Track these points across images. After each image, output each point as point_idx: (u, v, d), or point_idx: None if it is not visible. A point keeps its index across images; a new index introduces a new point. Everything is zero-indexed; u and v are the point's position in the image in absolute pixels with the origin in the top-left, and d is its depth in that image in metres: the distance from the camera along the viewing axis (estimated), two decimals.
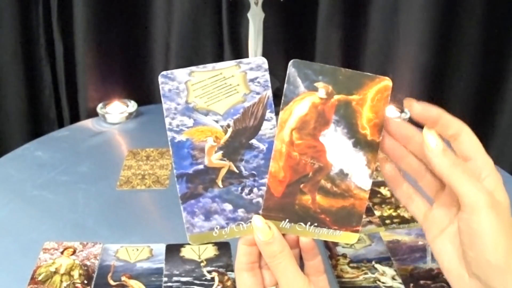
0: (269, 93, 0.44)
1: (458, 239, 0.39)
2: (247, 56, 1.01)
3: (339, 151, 0.43)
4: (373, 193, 0.78)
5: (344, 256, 0.66)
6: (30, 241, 0.68)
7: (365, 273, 0.63)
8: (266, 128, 0.44)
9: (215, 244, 0.67)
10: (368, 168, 0.44)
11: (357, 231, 0.45)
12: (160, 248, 0.67)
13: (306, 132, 0.43)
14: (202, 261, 0.65)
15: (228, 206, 0.44)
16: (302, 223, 0.44)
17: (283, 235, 0.43)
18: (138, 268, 0.64)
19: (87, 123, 1.02)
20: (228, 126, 0.44)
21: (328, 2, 1.06)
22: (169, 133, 0.43)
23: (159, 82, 0.43)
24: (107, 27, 1.10)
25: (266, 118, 0.44)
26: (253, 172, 0.44)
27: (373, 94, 0.43)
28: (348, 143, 0.43)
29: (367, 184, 0.44)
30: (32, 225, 0.71)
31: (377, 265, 0.64)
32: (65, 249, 0.66)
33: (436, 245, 0.42)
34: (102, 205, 0.76)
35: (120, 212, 0.75)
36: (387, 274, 0.63)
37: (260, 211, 0.44)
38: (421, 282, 0.62)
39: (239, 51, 1.12)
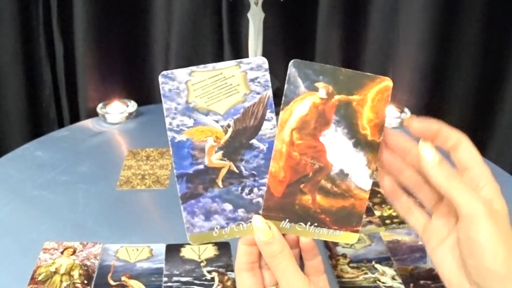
0: (269, 93, 0.44)
1: (457, 249, 0.40)
2: (247, 56, 1.01)
3: (339, 151, 0.43)
4: (373, 193, 0.78)
5: (344, 256, 0.66)
6: (30, 241, 0.68)
7: (365, 273, 0.63)
8: (267, 128, 0.44)
9: (215, 244, 0.67)
10: (368, 168, 0.44)
11: (357, 231, 0.45)
12: (160, 248, 0.67)
13: (306, 132, 0.43)
14: (202, 261, 0.65)
15: (228, 206, 0.44)
16: (302, 223, 0.44)
17: (283, 235, 0.43)
18: (138, 268, 0.64)
19: (87, 123, 1.02)
20: (228, 126, 0.44)
21: (328, 2, 1.06)
22: (169, 133, 0.43)
23: (160, 82, 0.43)
24: (107, 27, 1.10)
25: (266, 118, 0.44)
26: (253, 172, 0.44)
27: (374, 94, 0.43)
28: (348, 143, 0.43)
29: (367, 184, 0.44)
30: (32, 225, 0.71)
31: (377, 265, 0.64)
32: (65, 249, 0.66)
33: (436, 256, 0.42)
34: (102, 205, 0.76)
35: (120, 212, 0.75)
36: (387, 274, 0.63)
37: (260, 211, 0.44)
38: (421, 282, 0.62)
39: (239, 51, 1.12)
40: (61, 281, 0.61)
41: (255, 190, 0.44)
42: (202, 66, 0.43)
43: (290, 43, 1.13)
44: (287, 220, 0.44)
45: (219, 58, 1.12)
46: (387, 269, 0.64)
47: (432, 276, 0.62)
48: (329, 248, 0.67)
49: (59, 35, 1.11)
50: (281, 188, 0.44)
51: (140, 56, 1.17)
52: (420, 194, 0.44)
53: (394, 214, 0.74)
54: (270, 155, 0.43)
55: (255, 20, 0.94)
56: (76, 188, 0.80)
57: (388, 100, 0.43)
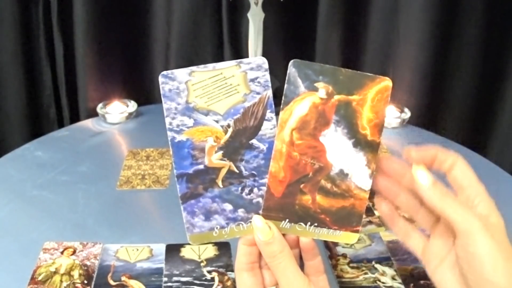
0: (269, 93, 0.44)
1: (457, 267, 0.40)
2: (247, 56, 1.01)
3: (339, 151, 0.43)
4: (373, 193, 0.78)
5: (344, 256, 0.66)
6: (30, 241, 0.68)
7: (365, 273, 0.63)
8: (266, 128, 0.44)
9: (215, 244, 0.67)
10: (368, 168, 0.44)
11: (357, 231, 0.45)
12: (160, 248, 0.67)
13: (306, 132, 0.43)
14: (202, 261, 0.65)
15: (228, 206, 0.44)
16: (302, 223, 0.44)
17: (283, 235, 0.43)
18: (138, 268, 0.64)
19: (87, 123, 1.02)
20: (228, 126, 0.44)
21: (328, 2, 1.06)
22: (169, 133, 0.43)
23: (160, 82, 0.43)
24: (107, 27, 1.10)
25: (266, 118, 0.44)
26: (253, 172, 0.44)
27: (374, 94, 0.43)
28: (348, 143, 0.43)
29: (367, 184, 0.44)
30: (32, 225, 0.71)
31: (377, 265, 0.64)
32: (65, 249, 0.66)
33: (437, 275, 0.43)
34: (102, 205, 0.76)
35: (120, 212, 0.75)
36: (387, 274, 0.63)
37: (260, 211, 0.44)
38: (421, 282, 0.62)
39: (239, 51, 1.12)
40: (61, 281, 0.61)
41: (255, 190, 0.44)
42: (202, 66, 0.43)
43: (290, 43, 1.13)
44: (287, 220, 0.44)
45: (219, 58, 1.12)
46: (387, 269, 0.64)
47: None
48: (329, 248, 0.67)
49: (59, 35, 1.11)
50: (281, 188, 0.44)
51: (140, 56, 1.17)
52: (417, 217, 0.45)
53: None
54: (270, 155, 0.43)
55: (255, 20, 0.94)
56: (76, 188, 0.80)
57: (388, 100, 0.43)
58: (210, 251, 0.66)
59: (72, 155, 0.89)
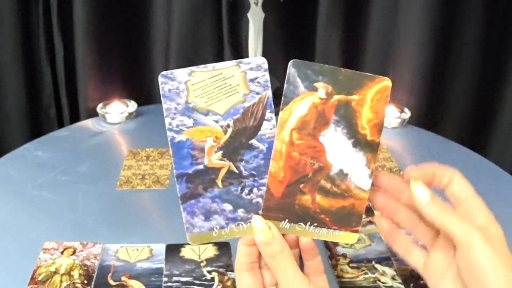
0: (269, 93, 0.44)
1: (459, 279, 0.41)
2: (247, 56, 1.01)
3: (339, 151, 0.43)
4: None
5: (344, 256, 0.66)
6: (30, 241, 0.68)
7: (365, 273, 0.63)
8: (266, 128, 0.44)
9: (215, 244, 0.67)
10: (367, 168, 0.44)
11: (357, 231, 0.45)
12: (160, 248, 0.67)
13: (306, 132, 0.43)
14: (202, 261, 0.65)
15: (228, 206, 0.44)
16: (302, 223, 0.44)
17: (283, 235, 0.43)
18: (138, 268, 0.64)
19: (87, 123, 1.02)
20: (228, 126, 0.44)
21: (328, 2, 1.06)
22: (169, 133, 0.43)
23: (159, 82, 0.43)
24: (107, 27, 1.10)
25: (266, 118, 0.44)
26: (253, 172, 0.44)
27: (373, 94, 0.43)
28: (348, 143, 0.43)
29: (367, 184, 0.44)
30: (32, 225, 0.71)
31: (377, 265, 0.64)
32: (65, 249, 0.66)
33: None
34: (102, 205, 0.76)
35: (120, 212, 0.75)
36: (387, 274, 0.63)
37: (260, 211, 0.44)
38: (421, 282, 0.62)
39: (239, 51, 1.12)
40: (61, 281, 0.61)
41: (255, 190, 0.44)
42: (202, 66, 0.43)
43: (290, 43, 1.13)
44: (287, 220, 0.44)
45: (219, 58, 1.12)
46: (387, 269, 0.64)
47: None
48: (329, 248, 0.67)
49: (59, 35, 1.11)
50: (280, 188, 0.44)
51: (140, 56, 1.17)
52: (417, 233, 0.45)
53: None
54: (270, 155, 0.43)
55: (255, 20, 0.94)
56: (76, 188, 0.80)
57: (387, 100, 0.43)
58: (210, 251, 0.66)
59: (72, 155, 0.89)
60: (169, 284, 0.61)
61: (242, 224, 0.45)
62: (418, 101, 1.10)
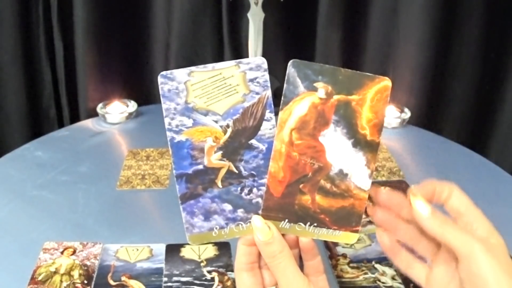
0: (268, 93, 0.44)
1: None
2: (247, 56, 1.01)
3: (338, 151, 0.43)
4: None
5: (344, 256, 0.66)
6: (30, 241, 0.68)
7: (365, 273, 0.63)
8: (266, 128, 0.44)
9: (215, 244, 0.67)
10: (367, 168, 0.44)
11: (356, 231, 0.45)
12: (160, 248, 0.67)
13: (305, 132, 0.43)
14: (202, 261, 0.65)
15: (227, 206, 0.44)
16: (301, 223, 0.44)
17: (283, 235, 0.43)
18: (138, 268, 0.64)
19: (87, 123, 1.02)
20: (228, 126, 0.44)
21: (328, 2, 1.06)
22: (168, 133, 0.43)
23: (159, 82, 0.43)
24: (107, 27, 1.10)
25: (265, 118, 0.44)
26: (253, 172, 0.44)
27: (373, 94, 0.43)
28: (347, 143, 0.43)
29: (366, 184, 0.44)
30: (32, 225, 0.71)
31: (377, 265, 0.64)
32: (65, 249, 0.66)
33: None
34: (102, 205, 0.76)
35: (120, 212, 0.75)
36: (387, 274, 0.63)
37: (260, 211, 0.44)
38: None
39: (239, 51, 1.12)
40: (61, 281, 0.61)
41: (255, 190, 0.44)
42: (201, 66, 0.43)
43: (290, 43, 1.13)
44: (287, 220, 0.44)
45: (219, 58, 1.12)
46: (387, 269, 0.64)
47: None
48: (329, 248, 0.67)
49: (59, 35, 1.11)
50: (280, 188, 0.44)
51: (140, 56, 1.17)
52: (418, 247, 0.45)
53: None
54: (270, 155, 0.43)
55: (255, 20, 0.94)
56: (76, 188, 0.80)
57: (387, 100, 0.43)
58: (210, 251, 0.66)
59: (72, 155, 0.89)
60: (169, 284, 0.61)
61: (241, 224, 0.45)
62: (418, 101, 1.10)
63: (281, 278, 0.42)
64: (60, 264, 0.64)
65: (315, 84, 0.43)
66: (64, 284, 0.61)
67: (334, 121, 0.43)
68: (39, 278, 0.62)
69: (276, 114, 0.43)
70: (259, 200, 0.44)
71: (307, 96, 0.43)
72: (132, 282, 0.62)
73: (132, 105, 1.04)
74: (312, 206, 0.44)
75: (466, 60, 1.09)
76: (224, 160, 0.44)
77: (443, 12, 1.02)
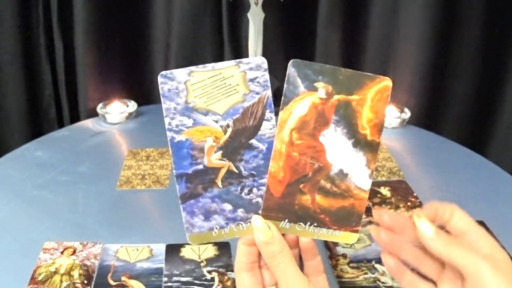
0: (268, 93, 0.44)
1: None
2: (247, 56, 1.01)
3: (339, 151, 0.43)
4: (373, 193, 0.78)
5: (344, 256, 0.66)
6: (30, 241, 0.68)
7: (365, 273, 0.63)
8: (266, 128, 0.44)
9: (215, 244, 0.67)
10: (367, 168, 0.44)
11: (356, 231, 0.45)
12: (160, 248, 0.67)
13: (305, 132, 0.43)
14: (202, 261, 0.65)
15: (227, 206, 0.44)
16: (301, 223, 0.44)
17: (283, 235, 0.43)
18: (138, 268, 0.64)
19: (87, 123, 1.02)
20: (228, 126, 0.44)
21: (328, 2, 1.06)
22: (168, 133, 0.43)
23: (159, 82, 0.43)
24: (107, 27, 1.10)
25: (265, 118, 0.44)
26: (253, 172, 0.44)
27: (373, 94, 0.43)
28: (348, 143, 0.43)
29: (366, 184, 0.44)
30: (32, 225, 0.71)
31: (377, 265, 0.64)
32: (65, 249, 0.66)
33: None
34: (102, 205, 0.76)
35: (120, 212, 0.75)
36: (387, 274, 0.63)
37: (260, 211, 0.44)
38: None
39: (239, 51, 1.12)
40: (61, 281, 0.61)
41: (255, 190, 0.44)
42: (201, 66, 0.43)
43: (290, 43, 1.13)
44: (287, 220, 0.44)
45: (219, 58, 1.12)
46: (387, 269, 0.64)
47: None
48: (329, 248, 0.67)
49: (59, 35, 1.11)
50: (280, 188, 0.44)
51: (140, 56, 1.17)
52: (423, 267, 0.45)
53: None
54: (270, 155, 0.43)
55: (255, 20, 0.94)
56: (76, 188, 0.80)
57: (387, 100, 0.43)
58: (210, 251, 0.66)
59: (72, 155, 0.89)
60: (169, 284, 0.61)
61: (242, 224, 0.45)
62: (418, 101, 1.10)
63: (281, 278, 0.42)
64: (60, 264, 0.64)
65: (315, 84, 0.43)
66: (64, 284, 0.61)
67: (334, 121, 0.43)
68: (39, 278, 0.62)
69: (276, 114, 0.43)
70: (259, 200, 0.44)
71: (307, 96, 0.43)
72: (132, 282, 0.62)
73: (132, 105, 1.04)
74: (312, 206, 0.44)
75: (466, 60, 1.09)
76: (224, 160, 0.44)
77: (443, 12, 1.02)
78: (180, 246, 0.67)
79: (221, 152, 0.44)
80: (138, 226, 0.72)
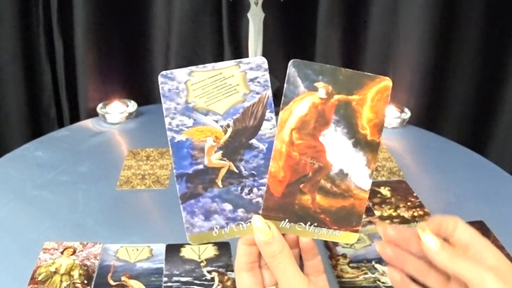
0: (269, 93, 0.44)
1: None
2: (247, 56, 1.01)
3: (339, 151, 0.43)
4: (373, 193, 0.78)
5: (344, 256, 0.66)
6: (30, 241, 0.68)
7: (365, 273, 0.63)
8: (266, 128, 0.44)
9: (215, 244, 0.67)
10: (368, 168, 0.44)
11: (357, 231, 0.45)
12: (160, 248, 0.67)
13: (306, 132, 0.43)
14: (202, 261, 0.65)
15: (227, 206, 0.44)
16: (302, 223, 0.44)
17: (283, 235, 0.43)
18: (138, 268, 0.64)
19: (87, 123, 1.02)
20: (228, 126, 0.44)
21: (328, 2, 1.06)
22: (168, 133, 0.43)
23: (159, 82, 0.43)
24: (107, 27, 1.10)
25: (266, 118, 0.44)
26: (253, 172, 0.44)
27: (373, 94, 0.43)
28: (348, 143, 0.43)
29: (367, 184, 0.44)
30: (32, 225, 0.71)
31: (377, 265, 0.64)
32: (65, 249, 0.66)
33: None
34: (102, 205, 0.76)
35: (120, 212, 0.75)
36: (387, 274, 0.63)
37: (260, 211, 0.44)
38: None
39: (239, 51, 1.12)
40: (61, 281, 0.61)
41: (255, 190, 0.44)
42: (201, 66, 0.43)
43: (290, 43, 1.13)
44: (287, 220, 0.44)
45: (219, 58, 1.12)
46: (387, 269, 0.64)
47: None
48: (329, 248, 0.67)
49: (59, 35, 1.11)
50: (280, 188, 0.44)
51: (140, 56, 1.17)
52: (428, 280, 0.45)
53: (394, 214, 0.74)
54: (270, 155, 0.43)
55: (255, 20, 0.94)
56: (76, 188, 0.80)
57: (387, 100, 0.43)
58: (210, 251, 0.66)
59: (72, 155, 0.89)
60: (169, 284, 0.61)
61: (242, 224, 0.45)
62: (418, 101, 1.10)
63: (281, 278, 0.42)
64: (60, 264, 0.64)
65: (315, 84, 0.43)
66: (64, 284, 0.61)
67: (334, 121, 0.43)
68: (39, 278, 0.62)
69: (277, 114, 0.43)
70: (259, 200, 0.44)
71: (308, 96, 0.43)
72: (132, 282, 0.62)
73: (132, 105, 1.04)
74: (312, 206, 0.44)
75: (466, 60, 1.09)
76: (224, 160, 0.44)
77: (443, 12, 1.02)
78: (180, 246, 0.67)
79: (221, 152, 0.44)
80: (138, 226, 0.72)
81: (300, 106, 0.43)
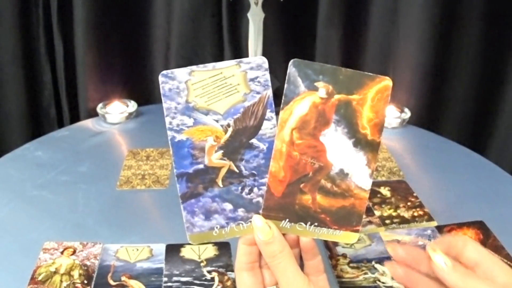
0: (269, 92, 0.44)
1: None
2: (247, 56, 1.01)
3: (339, 151, 0.43)
4: (373, 193, 0.78)
5: (344, 256, 0.66)
6: (30, 241, 0.68)
7: (365, 273, 0.63)
8: (266, 128, 0.44)
9: (215, 244, 0.67)
10: (368, 168, 0.44)
11: (357, 231, 0.45)
12: (160, 248, 0.67)
13: (306, 131, 0.43)
14: (202, 261, 0.65)
15: (228, 206, 0.44)
16: (302, 223, 0.44)
17: (283, 234, 0.43)
18: (138, 268, 0.64)
19: (87, 123, 1.02)
20: (228, 125, 0.44)
21: (328, 2, 1.06)
22: (169, 133, 0.43)
23: (160, 82, 0.43)
24: (107, 27, 1.10)
25: (266, 117, 0.44)
26: (253, 171, 0.44)
27: (374, 94, 0.43)
28: (348, 143, 0.43)
29: (367, 184, 0.44)
30: (32, 225, 0.71)
31: (377, 265, 0.64)
32: (65, 249, 0.66)
33: None
34: (102, 205, 0.76)
35: (120, 212, 0.75)
36: (387, 274, 0.63)
37: (260, 211, 0.44)
38: None
39: (239, 51, 1.12)
40: (61, 281, 0.61)
41: (255, 189, 0.44)
42: (202, 65, 0.43)
43: (290, 43, 1.13)
44: (287, 219, 0.44)
45: (219, 58, 1.12)
46: (387, 269, 0.64)
47: None
48: (329, 248, 0.67)
49: (59, 35, 1.11)
50: (281, 187, 0.44)
51: (140, 56, 1.17)
52: None
53: (394, 214, 0.74)
54: (270, 155, 0.43)
55: (255, 20, 0.94)
56: (76, 188, 0.80)
57: (387, 99, 0.43)
58: (210, 251, 0.66)
59: (72, 155, 0.89)
60: (169, 284, 0.61)
61: (242, 224, 0.45)
62: (418, 101, 1.10)
63: (282, 277, 0.42)
64: (60, 264, 0.64)
65: (315, 84, 0.43)
66: (64, 284, 0.61)
67: (334, 120, 0.43)
68: (39, 278, 0.62)
69: (277, 113, 0.43)
70: (260, 199, 0.44)
71: (308, 96, 0.43)
72: (132, 282, 0.62)
73: (132, 105, 1.04)
74: (312, 206, 0.44)
75: (466, 60, 1.09)
76: (224, 160, 0.44)
77: (443, 12, 1.02)
78: (180, 246, 0.67)
79: (221, 151, 0.44)
80: (138, 226, 0.72)
81: (300, 106, 0.43)
